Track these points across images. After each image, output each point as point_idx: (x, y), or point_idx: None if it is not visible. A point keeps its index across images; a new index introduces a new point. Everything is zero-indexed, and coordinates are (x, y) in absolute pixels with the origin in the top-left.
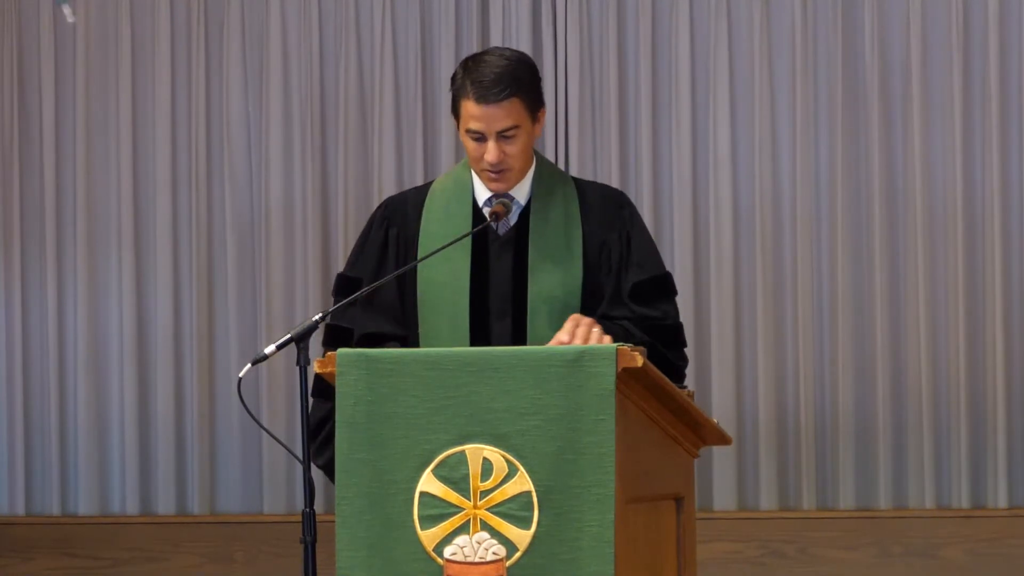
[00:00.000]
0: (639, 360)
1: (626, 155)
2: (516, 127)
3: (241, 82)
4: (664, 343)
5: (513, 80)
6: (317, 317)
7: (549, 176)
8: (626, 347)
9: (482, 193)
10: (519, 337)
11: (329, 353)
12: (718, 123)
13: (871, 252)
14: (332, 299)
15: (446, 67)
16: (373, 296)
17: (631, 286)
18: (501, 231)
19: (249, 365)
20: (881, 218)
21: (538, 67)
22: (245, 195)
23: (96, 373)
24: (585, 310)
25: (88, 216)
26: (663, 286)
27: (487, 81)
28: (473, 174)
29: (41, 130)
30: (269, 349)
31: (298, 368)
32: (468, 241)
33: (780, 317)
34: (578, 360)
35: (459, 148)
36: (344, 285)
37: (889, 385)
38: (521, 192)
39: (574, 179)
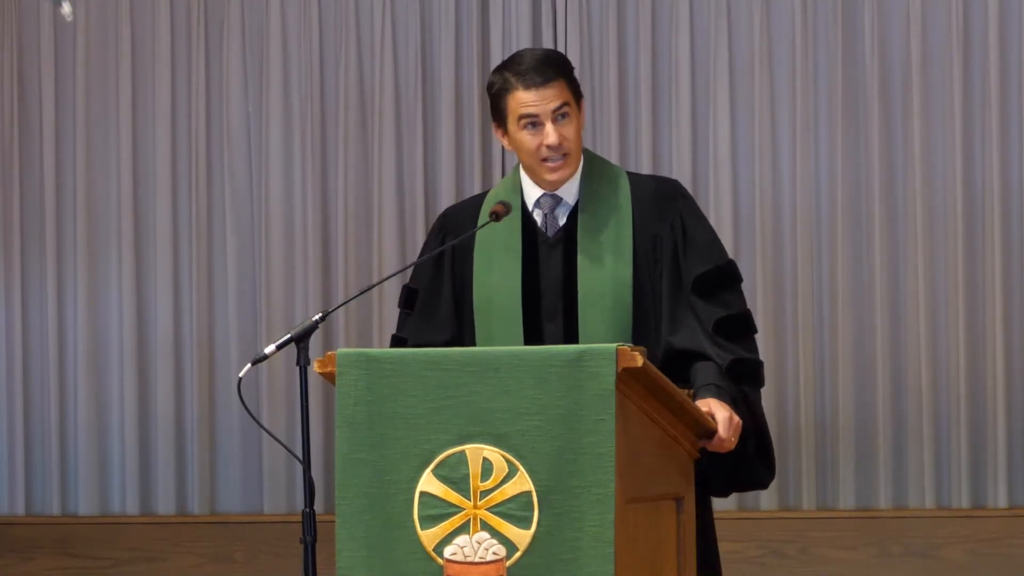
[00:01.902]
0: (639, 360)
1: (626, 155)
2: (567, 105)
3: (241, 82)
4: (731, 336)
5: (555, 64)
6: (317, 317)
7: (599, 172)
8: (626, 347)
9: (531, 195)
10: (570, 337)
11: (329, 353)
12: (718, 123)
13: (871, 252)
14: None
15: (446, 67)
16: (428, 306)
17: (693, 279)
18: (550, 232)
19: (249, 365)
20: (881, 218)
21: None
22: (245, 195)
23: (96, 373)
24: (636, 307)
25: (88, 216)
26: (727, 275)
27: (532, 68)
28: (523, 177)
29: (41, 130)
30: (269, 349)
31: (298, 368)
32: (518, 244)
33: (780, 317)
34: (578, 360)
35: (459, 148)
36: (405, 296)
37: (889, 385)
38: (569, 191)
39: (628, 173)
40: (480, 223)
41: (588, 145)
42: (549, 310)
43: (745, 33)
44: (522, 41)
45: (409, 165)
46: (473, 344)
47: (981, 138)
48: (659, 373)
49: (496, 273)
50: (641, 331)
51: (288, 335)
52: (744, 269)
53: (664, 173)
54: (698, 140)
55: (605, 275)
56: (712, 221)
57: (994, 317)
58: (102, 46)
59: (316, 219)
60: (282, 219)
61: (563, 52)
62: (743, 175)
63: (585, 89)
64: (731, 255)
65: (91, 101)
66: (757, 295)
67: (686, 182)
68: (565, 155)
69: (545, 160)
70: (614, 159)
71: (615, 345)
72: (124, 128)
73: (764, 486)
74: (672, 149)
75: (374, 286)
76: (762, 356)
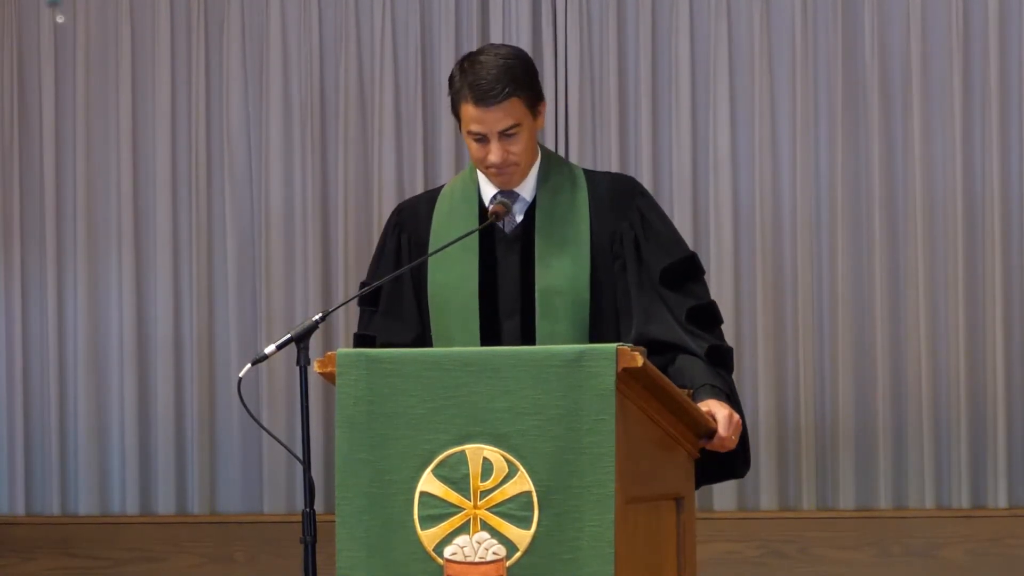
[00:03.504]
0: (639, 360)
1: (626, 155)
2: (517, 125)
3: (241, 82)
4: (703, 325)
5: (511, 80)
6: (317, 317)
7: (556, 170)
8: (626, 347)
9: (488, 192)
10: (528, 334)
11: (329, 353)
12: (718, 123)
13: (871, 252)
14: (357, 309)
15: (446, 67)
16: (393, 303)
17: (660, 271)
18: (508, 229)
19: (249, 365)
20: (881, 218)
21: (536, 64)
22: (245, 195)
23: (96, 373)
24: (593, 303)
25: (88, 216)
26: (692, 267)
27: (485, 84)
28: (479, 174)
29: (41, 130)
30: (269, 349)
31: (298, 368)
32: (475, 242)
33: (780, 317)
34: (578, 360)
35: (459, 148)
36: (366, 294)
37: (889, 385)
38: (526, 188)
39: (585, 170)
40: (438, 221)
41: (589, 146)
42: (507, 308)
43: (745, 33)
44: (522, 41)
45: (409, 165)
46: (431, 340)
47: (981, 138)
48: (659, 373)
49: (453, 270)
50: (599, 328)
51: (288, 335)
52: (744, 269)
53: (664, 174)
54: (698, 140)
55: (563, 272)
56: (712, 221)
57: (994, 317)
58: (102, 46)
59: (316, 219)
60: (282, 219)
61: (563, 51)
62: (743, 175)
63: (585, 89)
64: (732, 255)
65: (91, 101)
66: (757, 295)
67: (686, 182)
68: (509, 167)
69: (489, 168)
70: (614, 159)
71: (615, 345)
72: (124, 128)
73: (741, 476)
74: (672, 149)
75: (374, 286)
76: (762, 356)
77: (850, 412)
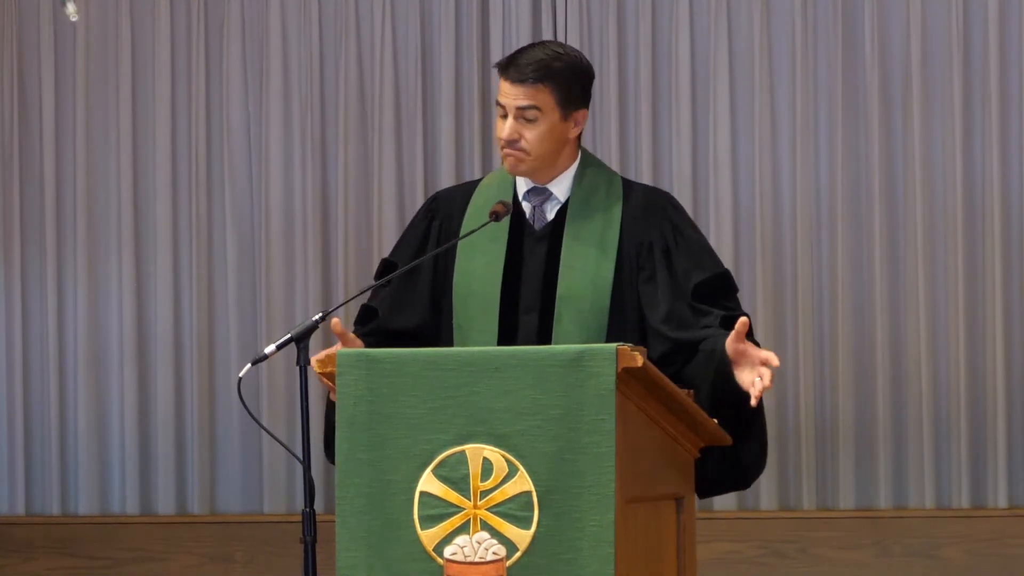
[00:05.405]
0: (639, 360)
1: (626, 155)
2: (536, 109)
3: (241, 83)
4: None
5: (546, 69)
6: (317, 317)
7: (593, 174)
8: (626, 347)
9: (522, 186)
10: (544, 333)
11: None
12: (718, 123)
13: (871, 252)
14: (358, 309)
15: (446, 67)
16: (406, 285)
17: (694, 286)
18: (538, 226)
19: (249, 365)
20: (881, 218)
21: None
22: (245, 195)
23: (96, 373)
24: (613, 310)
25: (88, 216)
26: (726, 284)
27: (520, 62)
28: None
29: (41, 130)
30: (269, 349)
31: (298, 368)
32: (504, 234)
33: (780, 317)
34: (578, 360)
35: (459, 148)
36: (383, 270)
37: (889, 385)
38: (561, 188)
39: (623, 179)
40: (472, 212)
41: (589, 146)
42: (527, 303)
43: (745, 33)
44: (522, 41)
45: (409, 165)
46: (447, 330)
47: (981, 138)
48: (659, 373)
49: (479, 260)
50: (615, 336)
51: (288, 335)
52: (744, 269)
53: (664, 174)
54: (698, 140)
55: (586, 276)
56: (712, 221)
57: (994, 317)
58: (102, 46)
59: (316, 219)
60: (282, 219)
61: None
62: (743, 175)
63: None
64: (732, 255)
65: (91, 101)
66: (757, 296)
67: (686, 182)
68: (518, 153)
69: (502, 148)
70: (614, 159)
71: (615, 345)
72: (124, 128)
73: (746, 486)
74: (672, 149)
75: (374, 286)
76: None
77: (850, 412)
